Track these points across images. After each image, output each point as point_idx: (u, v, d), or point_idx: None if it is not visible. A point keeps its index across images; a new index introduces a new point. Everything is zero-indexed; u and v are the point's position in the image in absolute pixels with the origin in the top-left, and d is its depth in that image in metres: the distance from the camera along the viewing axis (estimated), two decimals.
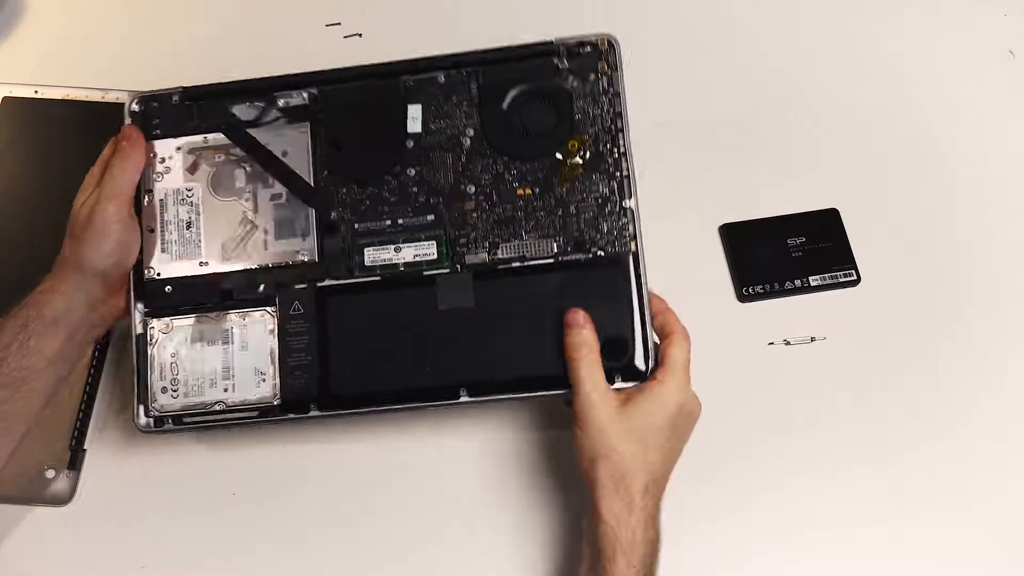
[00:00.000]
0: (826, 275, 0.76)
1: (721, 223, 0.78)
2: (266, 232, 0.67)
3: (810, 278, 0.76)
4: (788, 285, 0.75)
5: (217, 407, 0.65)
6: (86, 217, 0.64)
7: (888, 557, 0.68)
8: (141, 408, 0.65)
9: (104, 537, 0.70)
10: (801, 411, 0.72)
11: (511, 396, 0.64)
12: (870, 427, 0.72)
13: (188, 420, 0.65)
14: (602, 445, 0.60)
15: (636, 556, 0.58)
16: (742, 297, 0.76)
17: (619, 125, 0.66)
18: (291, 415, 0.65)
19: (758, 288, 0.76)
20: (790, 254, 0.76)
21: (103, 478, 0.72)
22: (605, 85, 0.66)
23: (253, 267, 0.67)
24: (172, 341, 0.66)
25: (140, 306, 0.67)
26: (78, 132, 0.80)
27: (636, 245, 0.64)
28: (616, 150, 0.66)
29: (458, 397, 0.64)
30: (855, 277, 0.77)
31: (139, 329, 0.67)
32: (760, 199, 0.78)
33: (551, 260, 0.65)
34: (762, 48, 0.83)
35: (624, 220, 0.65)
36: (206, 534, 0.70)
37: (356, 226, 0.66)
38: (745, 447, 0.71)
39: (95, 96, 0.82)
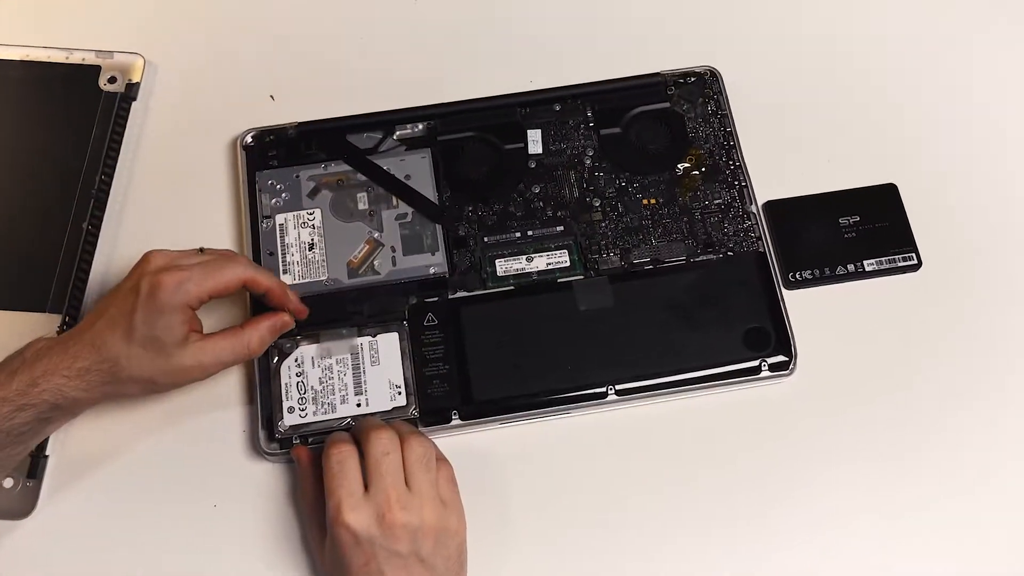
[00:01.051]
0: (883, 259, 0.67)
1: (765, 200, 0.68)
2: (393, 249, 0.66)
3: (865, 262, 0.67)
4: (840, 270, 0.66)
5: (352, 422, 0.62)
6: (151, 288, 0.56)
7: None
8: (264, 433, 0.62)
9: (67, 554, 0.61)
10: (851, 407, 0.65)
11: (660, 393, 0.63)
12: (923, 424, 0.65)
13: (317, 439, 0.62)
14: None
15: None
16: (788, 283, 0.66)
17: (731, 142, 0.69)
18: (431, 425, 0.62)
19: (806, 273, 0.66)
20: (842, 235, 0.67)
21: (67, 488, 0.63)
22: (713, 108, 0.70)
23: (381, 282, 0.66)
24: (298, 359, 0.63)
25: None
26: (39, 96, 0.72)
27: (763, 244, 0.66)
28: (731, 162, 0.68)
29: (605, 396, 0.63)
30: (916, 261, 0.68)
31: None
32: (808, 172, 0.69)
33: (683, 260, 0.66)
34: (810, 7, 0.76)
35: (749, 223, 0.67)
36: (181, 545, 0.62)
37: (485, 239, 0.66)
38: (803, 442, 0.64)
39: (58, 57, 0.73)
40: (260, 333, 0.59)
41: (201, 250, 0.60)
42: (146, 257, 0.57)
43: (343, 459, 0.55)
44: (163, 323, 0.55)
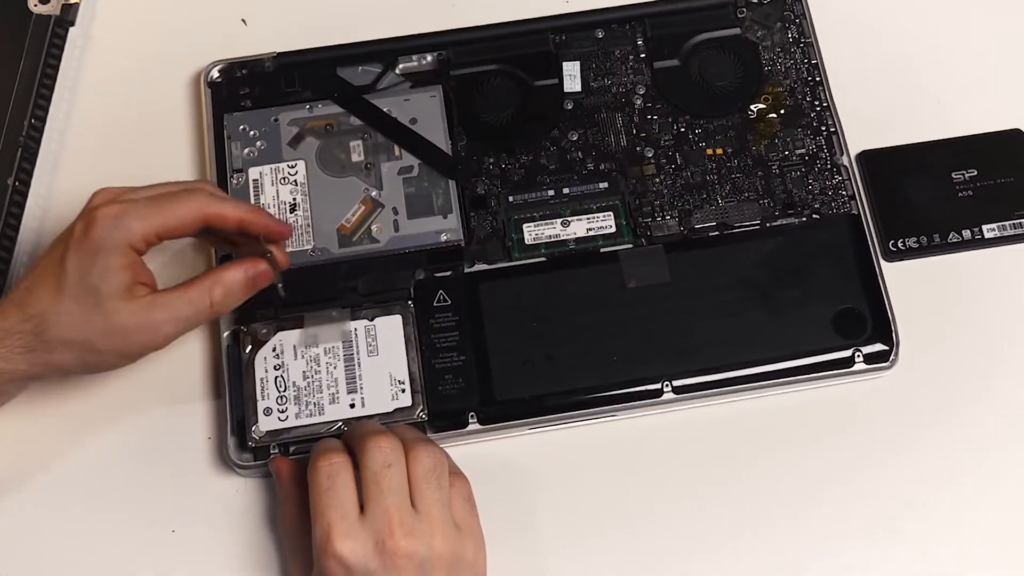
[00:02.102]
0: (1006, 223, 0.64)
1: (860, 150, 0.66)
2: (396, 212, 0.62)
3: (984, 227, 0.64)
4: (953, 237, 0.64)
5: (344, 427, 0.58)
6: (85, 225, 0.53)
7: None
8: (234, 440, 0.58)
9: None
10: (966, 409, 0.62)
11: (727, 391, 0.59)
12: None
13: (300, 448, 0.57)
14: None
15: None
16: (888, 254, 0.63)
17: (816, 77, 0.65)
18: (442, 431, 0.58)
19: (911, 241, 0.64)
20: (956, 193, 0.65)
21: None
22: (795, 34, 0.66)
23: (381, 252, 0.61)
24: (277, 349, 0.59)
25: None
26: None
27: (857, 205, 0.62)
28: (817, 103, 0.65)
29: (660, 394, 0.59)
30: None
31: (228, 339, 0.60)
32: (914, 116, 0.67)
33: (757, 225, 0.62)
34: None
35: (838, 178, 0.63)
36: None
37: (510, 199, 0.62)
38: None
39: None
40: (226, 283, 0.54)
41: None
42: (92, 195, 0.55)
43: (334, 473, 0.52)
44: (98, 267, 0.52)
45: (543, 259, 0.61)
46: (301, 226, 0.61)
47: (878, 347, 0.59)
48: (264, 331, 0.59)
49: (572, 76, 0.65)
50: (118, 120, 0.67)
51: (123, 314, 0.52)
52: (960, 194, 0.64)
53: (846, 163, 0.63)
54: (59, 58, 0.67)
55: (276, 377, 0.58)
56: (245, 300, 0.55)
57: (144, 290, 0.53)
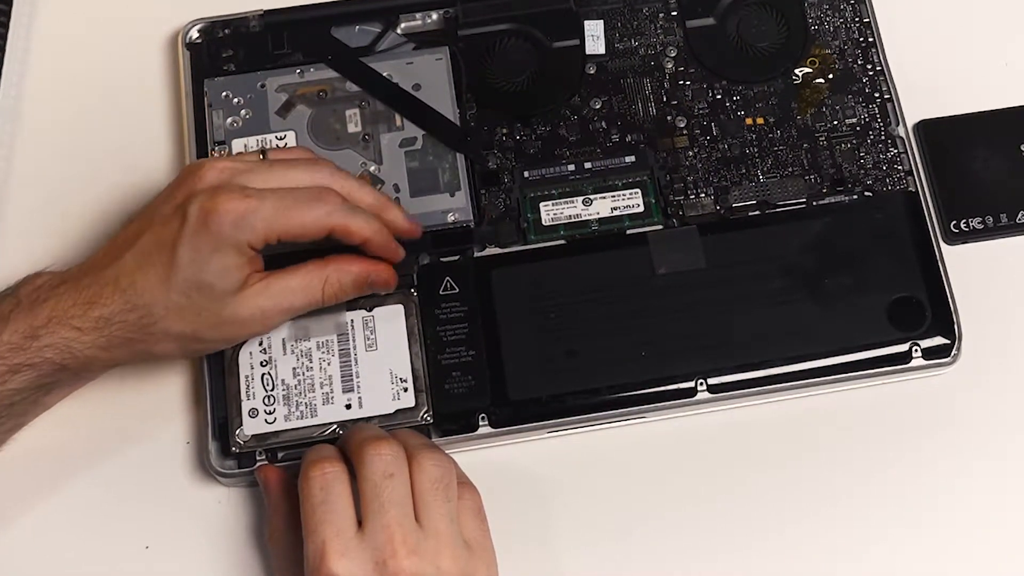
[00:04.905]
0: None
1: (918, 119, 0.65)
2: (397, 188, 0.62)
3: None
4: (1022, 217, 0.64)
5: (339, 431, 0.57)
6: (204, 215, 0.52)
7: None
8: (216, 445, 0.57)
9: None
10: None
11: (768, 390, 0.59)
12: None
13: (290, 454, 0.57)
14: None
15: None
16: (950, 236, 0.63)
17: (869, 37, 0.65)
18: (450, 435, 0.58)
19: (975, 222, 0.63)
20: None
21: None
22: None
23: None
24: (263, 344, 0.58)
25: None
26: None
27: (914, 182, 0.62)
28: (869, 67, 0.64)
29: (694, 394, 0.58)
30: None
31: None
32: (979, 81, 0.67)
33: (803, 204, 0.62)
34: None
35: (893, 151, 0.62)
36: None
37: (525, 174, 0.62)
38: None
39: None
40: (343, 279, 0.56)
41: (263, 154, 0.57)
42: (192, 169, 0.55)
43: (328, 484, 0.51)
44: (215, 265, 0.53)
45: (562, 242, 0.61)
46: None
47: (938, 341, 0.59)
48: None
49: (595, 36, 0.65)
50: (80, 88, 0.66)
51: (236, 306, 0.53)
52: None
53: (902, 134, 0.63)
54: (7, 14, 0.66)
55: (263, 374, 0.58)
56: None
57: (256, 277, 0.54)
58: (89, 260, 0.55)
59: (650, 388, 0.58)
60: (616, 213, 0.61)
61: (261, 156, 0.58)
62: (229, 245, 0.53)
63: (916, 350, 0.59)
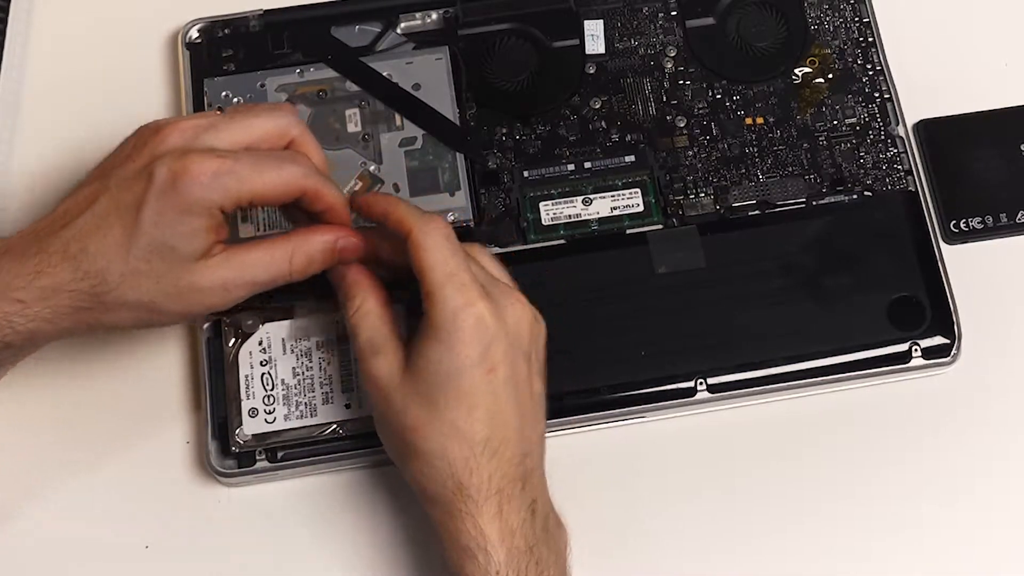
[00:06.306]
0: None
1: (918, 119, 0.65)
2: (397, 188, 0.62)
3: None
4: (1023, 217, 0.64)
5: (339, 430, 0.57)
6: (173, 177, 0.50)
7: None
8: (216, 445, 0.57)
9: None
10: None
11: (768, 389, 0.59)
12: None
13: (290, 454, 0.57)
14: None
15: None
16: (950, 236, 0.63)
17: (869, 36, 0.65)
18: None
19: (975, 222, 0.63)
20: None
21: None
22: None
23: None
24: (263, 343, 0.58)
25: None
26: None
27: (914, 181, 0.62)
28: (869, 66, 0.64)
29: (693, 394, 0.58)
30: None
31: (208, 331, 0.59)
32: (979, 81, 0.67)
33: (803, 203, 0.62)
34: None
35: (893, 151, 0.63)
36: None
37: (525, 174, 0.62)
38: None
39: None
40: (311, 250, 0.53)
41: (220, 110, 0.58)
42: (153, 130, 0.52)
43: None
44: (184, 227, 0.50)
45: (562, 242, 0.61)
46: None
47: (938, 340, 0.59)
48: (249, 322, 0.58)
49: (595, 36, 0.65)
50: (79, 86, 0.66)
51: (197, 275, 0.51)
52: None
53: (902, 134, 0.63)
54: (6, 11, 0.66)
55: (263, 374, 0.58)
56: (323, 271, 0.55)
57: (220, 247, 0.52)
58: (34, 226, 0.53)
59: (650, 388, 0.58)
60: (616, 213, 0.61)
61: (219, 111, 0.57)
62: (199, 207, 0.51)
63: (916, 350, 0.59)
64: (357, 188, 0.62)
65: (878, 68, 0.64)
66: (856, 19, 0.65)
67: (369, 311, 0.53)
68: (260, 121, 0.54)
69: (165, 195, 0.50)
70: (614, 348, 0.59)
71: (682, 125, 0.63)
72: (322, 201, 0.53)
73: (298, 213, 0.55)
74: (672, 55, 0.64)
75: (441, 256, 0.50)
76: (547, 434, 0.59)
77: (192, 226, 0.50)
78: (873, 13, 0.65)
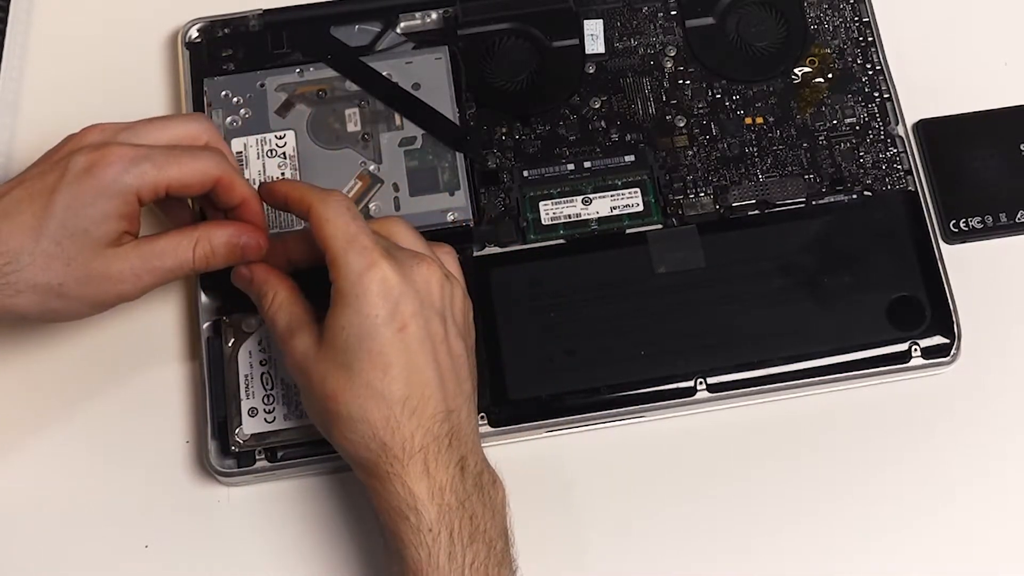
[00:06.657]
0: None
1: (917, 119, 0.65)
2: (396, 188, 0.62)
3: None
4: (1022, 217, 0.64)
5: None
6: (89, 164, 0.51)
7: None
8: (215, 444, 0.58)
9: None
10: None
11: (767, 389, 0.59)
12: None
13: (290, 453, 0.57)
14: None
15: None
16: (949, 236, 0.63)
17: (868, 36, 0.65)
18: None
19: (975, 221, 0.63)
20: None
21: None
22: None
23: None
24: (263, 343, 0.58)
25: (206, 299, 0.60)
26: None
27: (914, 181, 0.62)
28: (869, 66, 0.64)
29: (693, 393, 0.59)
30: None
31: (208, 331, 0.59)
32: (978, 80, 0.67)
33: (802, 203, 0.62)
34: None
35: (893, 150, 0.63)
36: None
37: (525, 174, 0.62)
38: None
39: None
40: (212, 242, 0.54)
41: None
42: (72, 135, 0.54)
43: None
44: (97, 210, 0.51)
45: (562, 241, 0.61)
46: None
47: (937, 340, 0.59)
48: (249, 322, 0.59)
49: (594, 36, 0.65)
50: (79, 86, 0.66)
51: (106, 261, 0.52)
52: None
53: (902, 133, 0.63)
54: (6, 10, 0.66)
55: (262, 373, 0.58)
56: (227, 267, 0.56)
57: (129, 238, 0.53)
58: None
59: (649, 387, 0.58)
60: (616, 212, 0.61)
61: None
62: (112, 190, 0.52)
63: (915, 349, 0.59)
64: (357, 188, 0.62)
65: (878, 68, 0.64)
66: (856, 19, 0.65)
67: (283, 301, 0.54)
68: (175, 123, 0.55)
69: (79, 180, 0.51)
70: (614, 348, 0.59)
71: (682, 125, 0.63)
72: (236, 192, 0.54)
73: (215, 213, 0.56)
74: (672, 55, 0.64)
75: (342, 222, 0.51)
76: (546, 434, 0.59)
77: (104, 209, 0.51)
78: (873, 13, 0.65)
